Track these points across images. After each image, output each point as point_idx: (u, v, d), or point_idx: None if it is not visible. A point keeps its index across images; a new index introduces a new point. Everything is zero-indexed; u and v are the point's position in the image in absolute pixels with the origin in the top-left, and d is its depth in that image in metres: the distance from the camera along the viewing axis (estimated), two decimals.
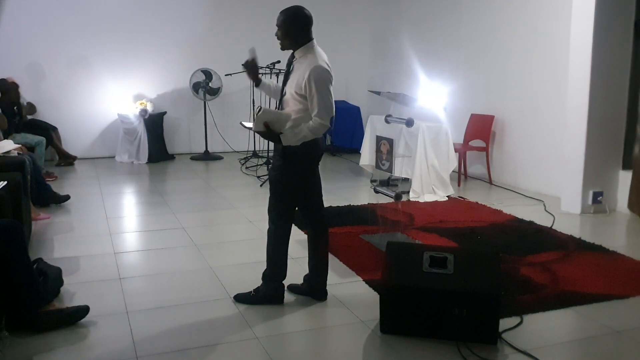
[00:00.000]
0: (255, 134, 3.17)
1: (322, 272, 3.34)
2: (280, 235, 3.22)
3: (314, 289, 3.34)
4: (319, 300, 3.32)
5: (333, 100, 3.04)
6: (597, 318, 3.12)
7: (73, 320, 2.97)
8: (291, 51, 3.13)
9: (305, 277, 3.41)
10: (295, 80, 3.03)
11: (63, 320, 2.95)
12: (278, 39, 3.09)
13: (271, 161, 3.40)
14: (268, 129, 3.02)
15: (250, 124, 3.16)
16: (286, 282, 3.32)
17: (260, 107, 3.07)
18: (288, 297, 3.34)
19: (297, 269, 3.52)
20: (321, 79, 2.95)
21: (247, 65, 3.22)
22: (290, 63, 3.14)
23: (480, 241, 4.48)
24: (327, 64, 3.03)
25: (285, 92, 3.12)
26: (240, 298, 3.30)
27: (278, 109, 3.18)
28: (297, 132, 3.01)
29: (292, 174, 3.13)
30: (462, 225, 4.88)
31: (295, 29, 3.04)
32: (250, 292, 3.30)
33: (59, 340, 2.83)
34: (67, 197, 5.58)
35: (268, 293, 3.27)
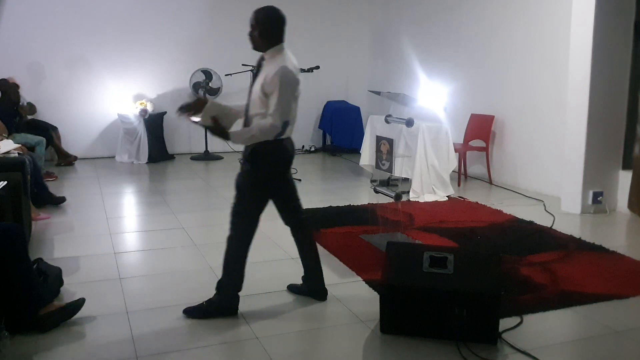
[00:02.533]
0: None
1: (316, 271, 3.31)
2: (241, 243, 3.04)
3: (313, 289, 3.33)
4: (319, 300, 3.31)
5: (294, 105, 2.91)
6: (597, 318, 3.12)
7: (73, 314, 2.98)
8: (260, 54, 3.01)
9: (303, 278, 3.39)
10: (262, 79, 2.91)
11: (64, 318, 2.95)
12: (251, 39, 2.98)
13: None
14: (216, 124, 2.90)
15: (198, 118, 3.03)
16: (287, 283, 3.31)
17: (207, 100, 2.92)
18: (288, 297, 3.34)
19: (297, 269, 3.51)
20: (286, 79, 2.84)
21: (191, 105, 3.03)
22: (259, 65, 3.02)
23: (480, 241, 4.48)
24: (295, 69, 2.93)
25: (252, 94, 2.98)
26: (190, 311, 3.07)
27: (245, 113, 3.04)
28: (247, 131, 2.91)
29: (260, 179, 3.01)
30: (462, 226, 4.87)
31: (272, 29, 2.94)
32: (202, 303, 3.10)
33: (59, 340, 2.83)
34: (63, 199, 5.51)
35: (222, 304, 3.07)
